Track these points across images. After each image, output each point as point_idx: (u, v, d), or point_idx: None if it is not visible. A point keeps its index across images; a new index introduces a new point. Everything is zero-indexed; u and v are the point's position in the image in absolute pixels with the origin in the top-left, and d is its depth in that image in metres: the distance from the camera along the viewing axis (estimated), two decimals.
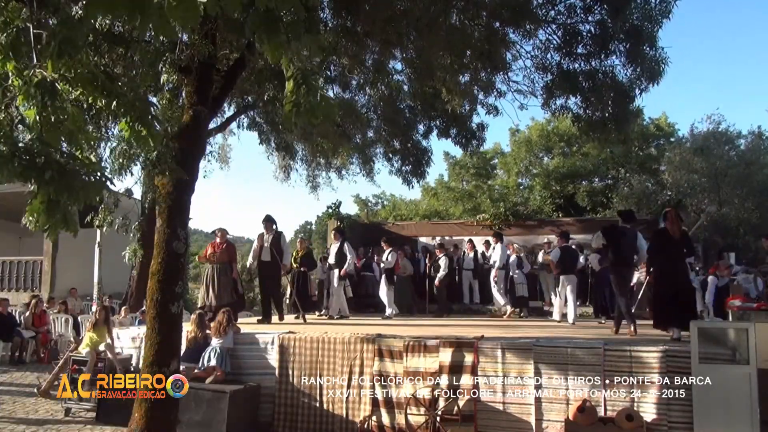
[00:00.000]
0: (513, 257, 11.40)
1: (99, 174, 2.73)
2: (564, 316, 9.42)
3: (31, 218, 2.68)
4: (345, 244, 9.91)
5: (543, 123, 22.71)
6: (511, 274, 11.06)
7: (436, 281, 11.26)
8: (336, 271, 9.79)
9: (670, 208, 6.92)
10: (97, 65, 3.06)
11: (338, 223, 14.65)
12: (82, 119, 3.13)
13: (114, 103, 3.05)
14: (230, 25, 4.77)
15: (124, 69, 4.96)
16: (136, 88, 4.08)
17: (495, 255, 11.17)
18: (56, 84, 2.57)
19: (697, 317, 6.57)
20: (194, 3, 2.22)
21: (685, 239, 6.40)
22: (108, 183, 3.03)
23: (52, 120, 2.61)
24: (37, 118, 2.58)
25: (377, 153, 10.18)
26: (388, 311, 10.48)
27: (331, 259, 10.05)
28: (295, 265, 10.09)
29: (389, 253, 10.89)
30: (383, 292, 10.66)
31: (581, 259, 10.69)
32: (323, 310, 10.67)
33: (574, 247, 10.05)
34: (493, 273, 11.09)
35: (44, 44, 2.49)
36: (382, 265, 11.02)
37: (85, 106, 3.41)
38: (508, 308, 11.07)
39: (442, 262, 11.25)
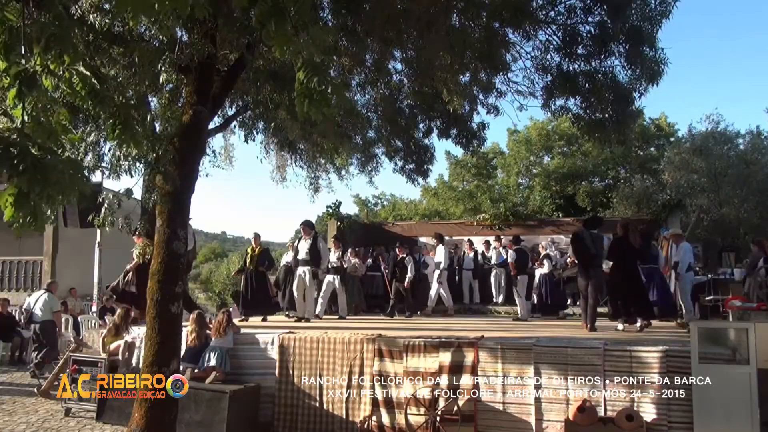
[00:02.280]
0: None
1: (76, 170, 2.68)
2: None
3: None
4: (318, 241, 9.49)
5: (543, 122, 22.73)
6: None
7: (406, 283, 10.90)
8: (308, 269, 9.33)
9: (628, 221, 8.54)
10: (88, 65, 3.03)
11: (338, 224, 14.62)
12: (69, 119, 3.13)
13: (98, 104, 3.04)
14: (230, 25, 4.78)
15: (124, 68, 4.96)
16: (125, 92, 4.08)
17: (438, 256, 11.26)
18: (37, 75, 2.55)
19: (650, 311, 7.82)
20: None
21: (641, 248, 7.71)
22: (86, 180, 2.99)
23: (33, 113, 2.59)
24: (22, 113, 2.57)
25: (378, 153, 10.14)
26: (333, 311, 10.35)
27: (302, 256, 9.46)
28: (249, 265, 9.44)
29: (345, 254, 10.58)
30: (337, 293, 10.44)
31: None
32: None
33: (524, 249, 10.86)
34: (437, 273, 11.23)
35: (33, 40, 2.48)
36: (330, 264, 10.56)
37: (82, 107, 3.42)
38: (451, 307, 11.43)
39: (409, 263, 11.03)
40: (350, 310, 11.31)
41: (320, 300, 10.17)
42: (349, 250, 11.90)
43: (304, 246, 9.49)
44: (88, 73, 2.95)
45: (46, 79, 2.73)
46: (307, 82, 2.66)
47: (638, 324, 7.53)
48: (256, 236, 9.87)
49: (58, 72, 2.77)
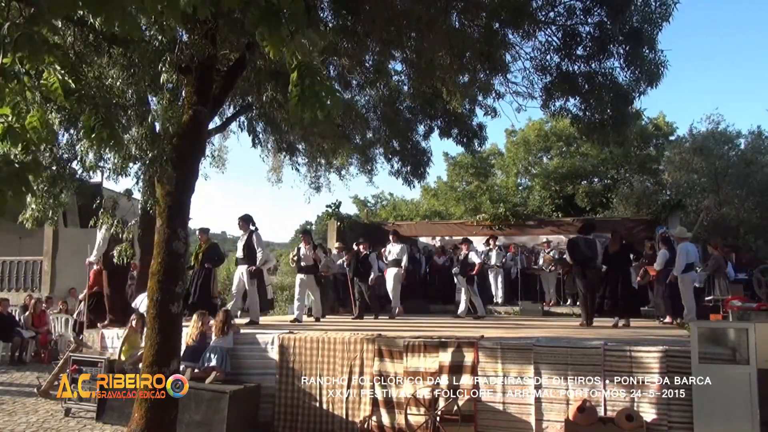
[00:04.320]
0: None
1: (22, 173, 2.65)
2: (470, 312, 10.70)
3: None
4: (254, 236, 8.55)
5: (540, 122, 22.73)
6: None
7: (370, 281, 10.46)
8: (245, 267, 8.50)
9: (614, 229, 9.50)
10: (67, 63, 2.98)
11: (338, 224, 14.60)
12: (42, 121, 3.09)
13: (76, 103, 3.01)
14: (230, 25, 4.78)
15: (124, 69, 4.97)
16: (104, 91, 4.06)
17: (400, 254, 10.83)
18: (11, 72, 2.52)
19: (636, 309, 8.78)
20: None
21: (621, 252, 8.58)
22: (27, 185, 2.92)
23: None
24: None
25: (377, 154, 10.12)
26: (297, 313, 9.41)
27: (238, 254, 8.76)
28: (195, 262, 8.61)
29: (307, 249, 9.62)
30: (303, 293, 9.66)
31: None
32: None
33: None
34: (399, 272, 10.84)
35: (8, 40, 2.45)
36: (303, 263, 9.67)
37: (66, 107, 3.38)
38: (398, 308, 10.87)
39: (373, 261, 10.59)
40: (324, 310, 10.59)
41: (296, 302, 9.56)
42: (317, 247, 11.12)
43: (240, 242, 8.73)
44: (63, 72, 2.91)
45: (24, 76, 2.68)
46: (300, 83, 2.66)
47: (617, 322, 8.35)
48: (202, 231, 8.99)
49: (32, 71, 2.72)
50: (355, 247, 10.98)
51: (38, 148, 2.89)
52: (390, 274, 10.90)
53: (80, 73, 3.32)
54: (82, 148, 4.77)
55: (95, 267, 8.86)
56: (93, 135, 3.26)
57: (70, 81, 2.89)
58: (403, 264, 10.87)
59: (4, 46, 2.39)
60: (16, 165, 2.49)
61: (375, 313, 10.55)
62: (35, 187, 3.04)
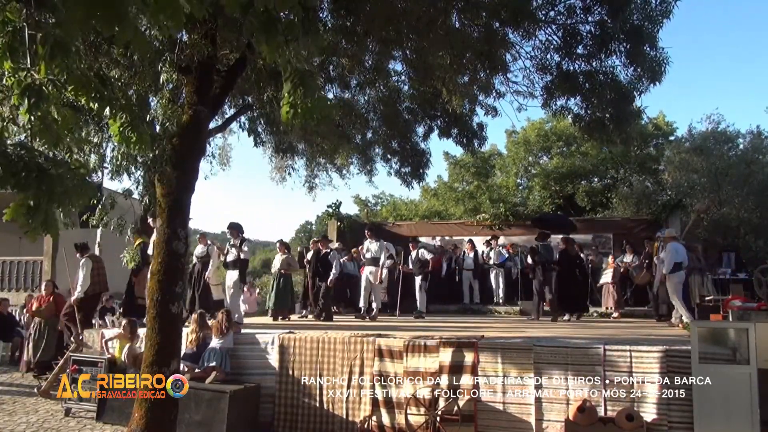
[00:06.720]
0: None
1: (85, 177, 2.73)
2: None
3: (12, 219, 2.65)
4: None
5: (540, 122, 22.72)
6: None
7: (329, 281, 9.86)
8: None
9: (567, 236, 10.77)
10: (91, 68, 3.05)
11: (338, 224, 14.57)
12: (74, 122, 3.13)
13: (106, 106, 3.05)
14: (230, 25, 4.79)
15: (124, 69, 4.97)
16: (128, 92, 4.08)
17: (378, 251, 10.30)
18: (43, 88, 2.58)
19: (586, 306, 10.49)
20: (178, 6, 2.22)
21: (577, 256, 10.41)
22: (95, 186, 3.04)
23: (40, 124, 2.61)
24: (29, 121, 2.59)
25: (376, 154, 10.10)
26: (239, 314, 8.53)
27: (150, 250, 7.60)
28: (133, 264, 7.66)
29: (243, 244, 8.71)
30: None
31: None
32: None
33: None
34: (377, 271, 10.34)
35: (38, 45, 2.49)
36: (235, 255, 8.76)
37: (85, 108, 3.42)
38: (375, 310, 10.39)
39: (333, 259, 10.15)
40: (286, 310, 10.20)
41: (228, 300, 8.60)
42: (278, 244, 10.64)
43: (151, 240, 7.71)
44: (91, 75, 2.95)
45: (52, 89, 2.73)
46: (293, 93, 2.69)
47: (569, 317, 9.78)
48: (134, 231, 7.65)
49: (62, 78, 2.77)
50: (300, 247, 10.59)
51: (74, 146, 2.95)
52: (366, 272, 10.38)
53: (104, 75, 3.35)
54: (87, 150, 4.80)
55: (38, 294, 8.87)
56: (122, 136, 3.30)
57: (99, 83, 2.93)
58: (381, 262, 10.30)
59: (32, 55, 2.44)
60: (67, 175, 2.56)
61: (327, 315, 9.92)
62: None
